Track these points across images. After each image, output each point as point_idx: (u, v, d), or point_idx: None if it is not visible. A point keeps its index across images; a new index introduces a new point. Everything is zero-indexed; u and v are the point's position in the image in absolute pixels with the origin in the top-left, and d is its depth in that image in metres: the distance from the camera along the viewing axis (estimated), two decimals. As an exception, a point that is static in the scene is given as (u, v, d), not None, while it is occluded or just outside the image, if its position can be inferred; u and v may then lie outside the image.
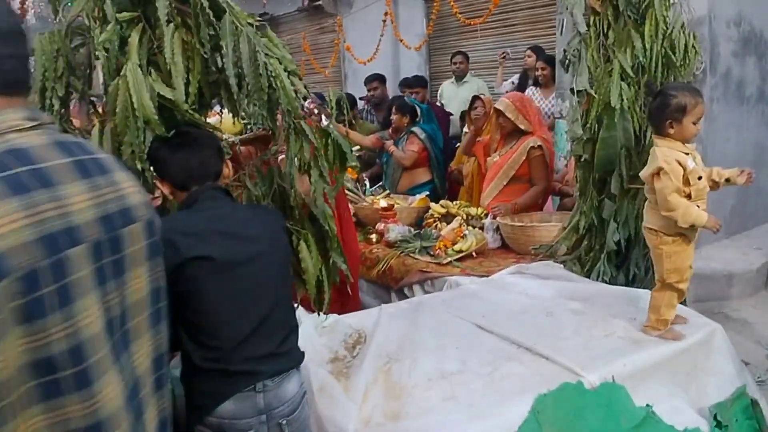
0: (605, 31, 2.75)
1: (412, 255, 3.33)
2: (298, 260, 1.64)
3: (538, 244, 3.14)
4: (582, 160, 2.89)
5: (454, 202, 3.91)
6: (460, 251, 3.22)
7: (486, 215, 3.61)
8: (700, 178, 2.16)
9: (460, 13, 5.87)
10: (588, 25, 2.80)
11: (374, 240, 3.71)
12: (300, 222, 1.65)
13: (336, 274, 1.73)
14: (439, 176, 4.65)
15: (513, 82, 5.39)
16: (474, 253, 3.25)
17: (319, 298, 1.74)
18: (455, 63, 5.83)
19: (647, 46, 2.63)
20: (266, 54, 1.51)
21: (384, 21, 5.61)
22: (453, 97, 5.77)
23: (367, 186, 4.64)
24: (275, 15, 9.39)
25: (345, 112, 5.18)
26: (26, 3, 6.76)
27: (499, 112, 3.73)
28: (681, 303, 2.62)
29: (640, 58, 2.66)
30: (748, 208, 5.11)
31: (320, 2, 8.12)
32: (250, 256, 1.50)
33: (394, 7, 7.00)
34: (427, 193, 4.24)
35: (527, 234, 3.22)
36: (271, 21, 9.34)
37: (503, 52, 5.57)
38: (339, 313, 2.34)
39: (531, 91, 4.92)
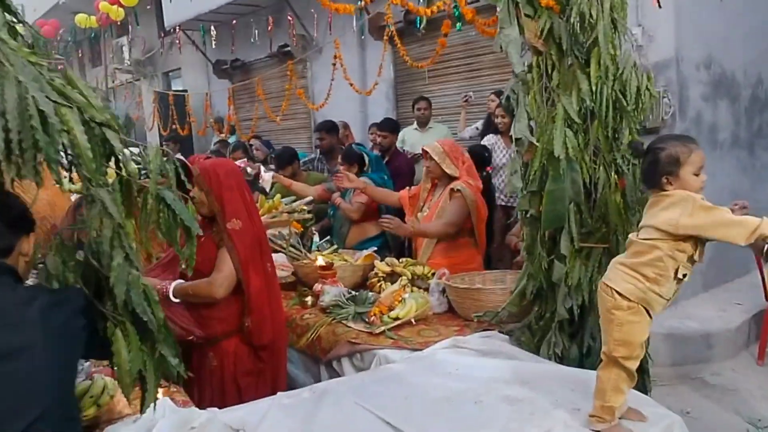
0: (548, 72, 2.45)
1: (344, 322, 2.94)
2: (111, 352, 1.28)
3: (483, 311, 2.76)
4: (527, 215, 2.54)
5: (401, 260, 3.54)
6: (397, 318, 2.83)
7: (433, 274, 3.25)
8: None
9: (425, 58, 5.65)
10: (530, 66, 2.50)
11: (309, 303, 3.32)
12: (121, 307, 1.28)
13: (167, 368, 1.35)
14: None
15: (477, 128, 5.12)
16: (413, 320, 2.87)
17: (143, 397, 1.35)
18: (418, 109, 5.57)
19: (595, 88, 2.32)
20: (56, 101, 1.15)
21: (334, 65, 5.35)
22: (417, 143, 5.48)
23: (316, 240, 4.27)
24: (246, 61, 9.24)
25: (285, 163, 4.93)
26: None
27: (426, 155, 3.51)
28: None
29: (587, 102, 2.35)
30: (727, 259, 4.78)
31: (289, 48, 7.94)
32: (11, 349, 1.17)
33: (361, 52, 6.82)
34: (375, 248, 3.87)
35: (473, 297, 2.84)
36: (242, 67, 9.17)
37: (465, 96, 5.32)
38: (219, 407, 1.94)
39: (492, 139, 4.64)
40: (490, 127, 4.87)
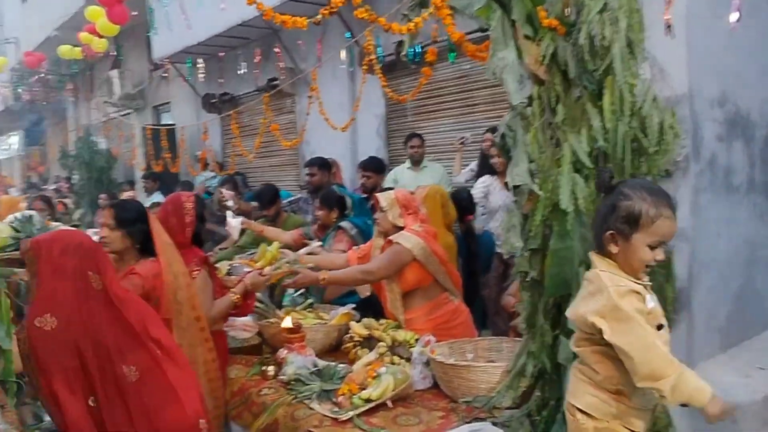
0: (552, 105, 2.01)
1: (306, 402, 2.44)
2: None
3: (473, 395, 2.27)
4: (527, 278, 2.07)
5: (381, 321, 3.06)
6: (369, 400, 2.33)
7: (416, 340, 2.75)
8: (660, 327, 1.39)
9: (418, 92, 5.27)
10: (531, 98, 2.07)
11: (271, 374, 2.81)
12: None
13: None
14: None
15: (472, 169, 4.69)
16: (389, 403, 2.36)
17: None
18: (411, 146, 5.15)
19: (608, 125, 1.88)
20: None
21: (310, 97, 4.96)
22: (411, 184, 5.02)
23: (290, 293, 3.78)
24: (235, 95, 8.90)
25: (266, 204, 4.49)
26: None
27: (377, 204, 3.11)
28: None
29: (600, 142, 1.91)
30: (747, 315, 4.30)
31: (278, 82, 7.58)
32: None
33: (351, 86, 6.46)
34: (355, 304, 3.39)
35: (462, 376, 2.34)
36: (231, 101, 8.84)
37: (461, 138, 4.91)
38: None
39: (487, 180, 4.20)
40: (485, 167, 4.43)
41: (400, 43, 5.04)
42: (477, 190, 4.29)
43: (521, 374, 2.11)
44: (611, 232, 1.47)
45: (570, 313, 1.51)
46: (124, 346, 1.86)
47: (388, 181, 5.14)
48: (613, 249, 1.48)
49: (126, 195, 8.87)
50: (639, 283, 1.48)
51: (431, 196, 3.63)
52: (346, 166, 6.14)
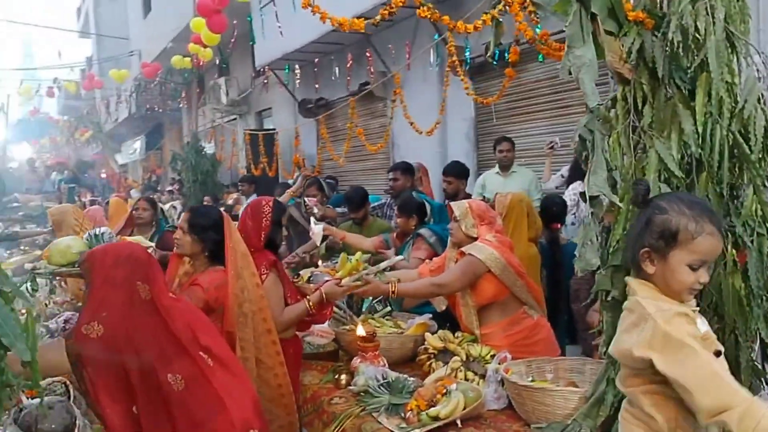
0: (638, 106, 1.82)
1: (375, 415, 2.38)
2: None
3: (548, 420, 2.10)
4: (608, 298, 1.89)
5: (457, 334, 2.94)
6: (437, 418, 2.23)
7: (492, 356, 2.61)
8: (719, 353, 1.20)
9: (507, 95, 5.08)
10: (614, 99, 1.89)
11: (343, 383, 2.78)
12: None
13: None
14: (455, 291, 3.69)
15: (562, 175, 4.43)
16: (458, 422, 2.25)
17: None
18: (500, 151, 4.96)
19: (702, 129, 1.67)
20: None
21: (394, 101, 4.90)
22: (498, 189, 4.84)
23: (370, 299, 3.74)
24: (330, 100, 9.07)
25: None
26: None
27: (451, 214, 3.00)
28: None
29: (692, 148, 1.69)
30: None
31: (370, 87, 7.63)
32: None
33: (441, 89, 6.33)
34: (432, 314, 3.29)
35: (536, 399, 2.18)
36: (326, 106, 9.02)
37: (550, 142, 4.66)
38: None
39: (579, 187, 3.95)
40: (577, 174, 4.17)
41: (488, 45, 4.87)
42: (567, 198, 4.05)
43: (600, 402, 1.92)
44: (646, 249, 1.29)
45: (613, 349, 1.34)
46: (169, 355, 1.87)
47: (475, 187, 4.99)
48: (649, 269, 1.30)
49: (231, 198, 9.31)
50: (686, 307, 1.29)
51: (515, 204, 3.46)
52: (435, 171, 6.04)
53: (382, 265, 3.28)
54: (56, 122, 25.01)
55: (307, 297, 2.89)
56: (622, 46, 1.79)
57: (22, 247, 6.71)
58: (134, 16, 17.67)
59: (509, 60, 3.51)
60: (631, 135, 1.80)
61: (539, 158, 5.16)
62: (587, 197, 1.73)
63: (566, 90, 5.12)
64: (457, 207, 2.95)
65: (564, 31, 1.79)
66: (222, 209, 7.96)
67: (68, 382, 2.37)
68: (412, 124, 5.19)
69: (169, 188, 13.06)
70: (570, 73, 1.71)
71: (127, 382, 1.82)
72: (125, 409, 1.82)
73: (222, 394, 1.90)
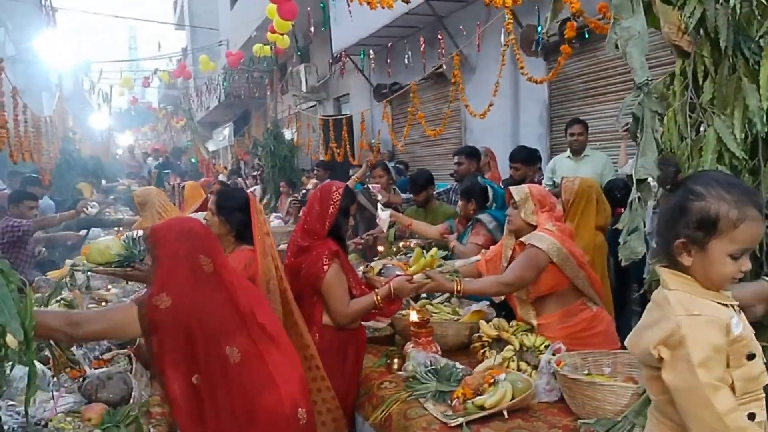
0: (699, 82, 1.67)
1: (421, 401, 2.36)
2: None
3: (598, 415, 2.00)
4: (662, 290, 1.75)
5: (513, 323, 2.85)
6: (483, 407, 2.17)
7: (546, 347, 2.52)
8: (752, 356, 1.13)
9: (581, 75, 4.83)
10: (672, 75, 1.74)
11: (395, 367, 2.78)
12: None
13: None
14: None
15: (639, 158, 4.16)
16: (505, 413, 2.18)
17: None
18: (571, 134, 4.74)
19: (767, 104, 1.51)
20: None
21: (454, 83, 4.75)
22: (569, 174, 4.65)
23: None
24: (404, 84, 9.02)
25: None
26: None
27: (509, 199, 2.85)
28: None
29: (758, 126, 1.53)
30: None
31: (442, 70, 7.52)
32: None
33: (513, 70, 6.13)
34: (490, 301, 3.21)
35: (586, 394, 2.08)
36: (399, 90, 8.99)
37: (626, 124, 4.37)
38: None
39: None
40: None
41: (563, 23, 4.64)
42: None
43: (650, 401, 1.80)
44: (681, 240, 1.16)
45: (631, 344, 1.23)
46: (231, 328, 1.94)
47: (546, 171, 4.80)
48: (686, 261, 1.17)
49: (310, 183, 9.52)
50: (722, 303, 1.16)
51: (584, 189, 3.30)
52: (506, 154, 5.87)
53: (458, 263, 3.20)
54: (155, 111, 26.50)
55: (376, 290, 2.77)
56: (681, 15, 1.65)
57: (117, 229, 7.18)
58: (223, 7, 18.34)
59: (565, 36, 3.30)
60: (688, 113, 1.65)
61: (615, 141, 4.87)
62: (634, 180, 1.60)
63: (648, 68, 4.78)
64: (517, 192, 2.83)
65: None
66: (302, 194, 8.17)
67: (132, 355, 2.52)
68: (467, 106, 5.05)
69: (254, 173, 13.55)
70: (616, 47, 1.59)
71: (190, 352, 1.88)
72: (186, 378, 1.88)
73: (273, 371, 1.96)
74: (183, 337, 1.89)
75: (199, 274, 1.95)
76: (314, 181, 9.50)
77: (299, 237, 2.76)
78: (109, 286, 4.32)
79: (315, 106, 13.27)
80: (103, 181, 11.41)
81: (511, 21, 3.95)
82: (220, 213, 2.69)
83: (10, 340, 0.92)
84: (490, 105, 5.14)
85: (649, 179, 1.59)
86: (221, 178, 14.22)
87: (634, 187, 1.59)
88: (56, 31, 11.33)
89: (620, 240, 1.62)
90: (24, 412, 1.59)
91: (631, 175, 1.59)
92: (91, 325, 1.88)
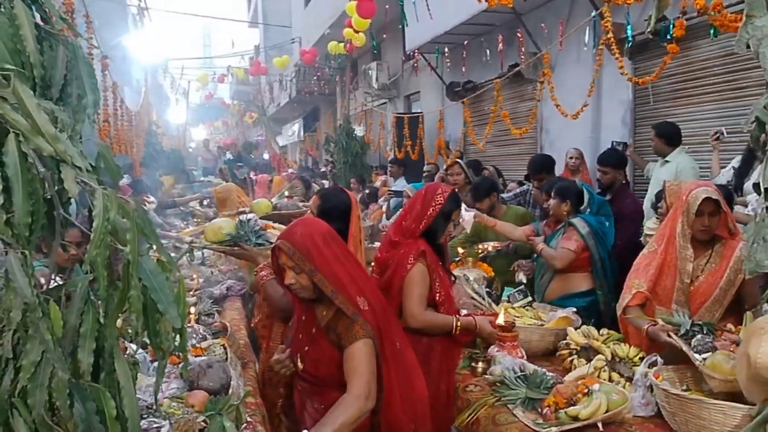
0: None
1: (510, 407, 2.34)
2: None
3: (703, 434, 1.92)
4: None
5: (602, 331, 2.77)
6: (576, 418, 2.13)
7: (641, 359, 2.44)
8: None
9: (671, 75, 4.63)
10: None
11: (479, 370, 2.76)
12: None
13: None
14: (604, 286, 3.49)
15: (733, 167, 3.95)
16: (599, 425, 2.13)
17: None
18: (651, 139, 4.55)
19: None
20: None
21: (542, 82, 4.65)
22: (653, 182, 4.49)
23: (509, 289, 3.66)
24: (478, 83, 8.94)
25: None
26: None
27: (707, 205, 2.53)
28: None
29: None
30: None
31: (520, 68, 7.39)
32: None
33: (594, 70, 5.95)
34: (576, 308, 3.14)
35: (690, 411, 1.99)
36: (474, 89, 8.91)
37: (716, 132, 4.15)
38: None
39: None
40: (751, 164, 3.69)
41: (657, 21, 4.46)
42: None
43: (766, 423, 1.71)
44: None
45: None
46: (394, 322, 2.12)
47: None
48: None
49: (379, 179, 9.60)
50: None
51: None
52: (588, 156, 5.71)
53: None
54: (228, 106, 27.35)
55: (458, 317, 2.69)
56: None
57: (195, 220, 7.50)
58: (296, 6, 18.69)
59: (674, 35, 3.17)
60: (824, 121, 1.55)
61: (706, 145, 4.66)
62: (762, 189, 1.52)
63: (741, 69, 4.53)
64: (706, 191, 2.58)
65: (742, 1, 1.59)
66: (368, 190, 8.25)
67: (226, 345, 2.61)
68: (558, 106, 4.94)
69: (323, 169, 13.77)
70: (748, 47, 1.51)
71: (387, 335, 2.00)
72: (391, 360, 1.99)
73: (414, 364, 2.09)
74: (383, 335, 1.98)
75: (357, 271, 2.03)
76: (382, 177, 9.57)
77: (392, 232, 2.76)
78: (193, 276, 4.53)
79: (385, 103, 13.34)
80: (191, 175, 11.90)
81: (609, 19, 3.82)
82: (323, 215, 2.55)
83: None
84: (585, 105, 4.99)
85: (778, 190, 1.50)
86: (291, 171, 14.54)
87: (761, 197, 1.51)
88: (139, 30, 11.87)
89: (744, 251, 1.54)
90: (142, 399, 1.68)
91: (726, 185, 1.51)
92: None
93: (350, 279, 1.94)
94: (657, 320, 2.47)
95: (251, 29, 27.46)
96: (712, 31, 3.59)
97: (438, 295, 2.66)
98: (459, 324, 2.62)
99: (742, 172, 3.70)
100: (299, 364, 2.06)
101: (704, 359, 2.05)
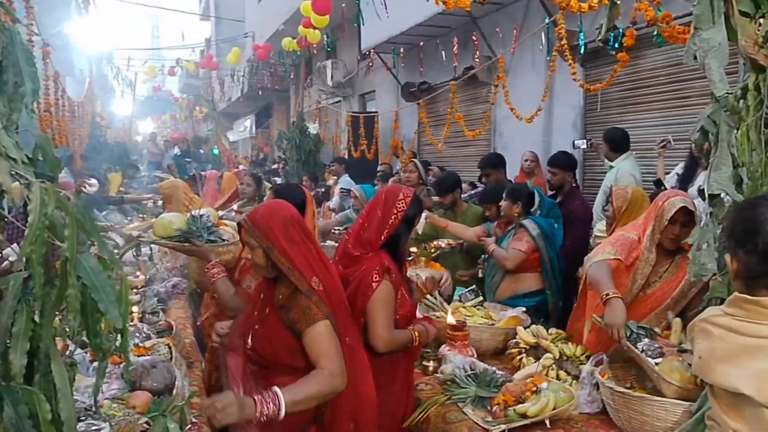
0: (774, 97, 1.63)
1: (460, 405, 2.35)
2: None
3: (645, 431, 1.97)
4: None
5: (551, 331, 2.83)
6: (525, 416, 2.16)
7: (587, 357, 2.49)
8: None
9: (621, 83, 4.78)
10: (744, 89, 1.71)
11: (430, 369, 2.77)
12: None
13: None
14: (552, 287, 3.56)
15: (677, 174, 4.10)
16: (547, 423, 2.16)
17: None
18: (601, 143, 4.69)
19: None
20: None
21: (496, 86, 4.73)
22: (602, 185, 4.61)
23: (461, 289, 3.69)
24: (433, 84, 9.00)
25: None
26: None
27: (681, 215, 2.51)
28: None
29: (838, 146, 1.50)
30: None
31: (475, 72, 7.47)
32: None
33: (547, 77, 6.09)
34: (526, 308, 3.19)
35: (633, 408, 2.05)
36: (429, 90, 8.97)
37: (663, 141, 4.31)
38: None
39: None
40: (694, 171, 3.84)
41: (607, 29, 4.59)
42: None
43: (701, 419, 1.77)
44: None
45: (715, 376, 1.17)
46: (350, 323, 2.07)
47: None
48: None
49: (332, 178, 9.53)
50: None
51: (636, 199, 3.17)
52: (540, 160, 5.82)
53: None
54: (177, 100, 26.67)
55: (414, 328, 2.44)
56: (759, 28, 1.61)
57: (140, 215, 7.26)
58: (251, 0, 18.40)
59: (624, 44, 3.26)
60: (762, 129, 1.62)
61: (652, 151, 4.82)
62: (706, 195, 1.57)
63: (686, 80, 4.72)
64: (681, 200, 2.54)
65: (690, 14, 1.64)
66: (322, 190, 8.18)
67: (171, 344, 2.53)
68: (512, 110, 5.02)
69: (274, 166, 13.59)
70: (695, 58, 1.56)
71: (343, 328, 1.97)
72: (346, 350, 1.95)
73: (365, 366, 2.05)
74: (336, 318, 1.95)
75: (316, 258, 2.00)
76: (334, 177, 9.52)
77: (351, 244, 2.42)
78: (138, 273, 4.39)
79: (340, 101, 13.28)
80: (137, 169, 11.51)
81: (563, 26, 3.91)
82: None
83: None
84: (539, 110, 5.09)
85: (722, 194, 1.56)
86: (241, 167, 14.29)
87: (705, 202, 1.56)
88: (83, 18, 11.43)
89: (690, 255, 1.59)
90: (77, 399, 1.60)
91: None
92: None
93: (305, 261, 1.94)
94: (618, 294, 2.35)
95: (203, 22, 26.88)
96: (659, 41, 3.71)
97: (398, 314, 2.41)
98: (417, 334, 2.43)
99: (685, 179, 3.84)
100: (248, 341, 2.02)
101: (656, 364, 2.09)
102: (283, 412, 1.69)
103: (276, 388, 1.73)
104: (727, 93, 1.57)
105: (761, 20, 1.62)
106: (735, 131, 1.62)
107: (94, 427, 1.66)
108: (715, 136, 1.61)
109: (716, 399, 1.32)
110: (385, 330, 2.28)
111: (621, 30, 3.94)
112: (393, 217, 2.37)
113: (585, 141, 5.13)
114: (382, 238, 2.36)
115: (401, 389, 2.43)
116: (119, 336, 0.95)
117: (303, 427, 1.96)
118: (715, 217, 1.57)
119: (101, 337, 0.90)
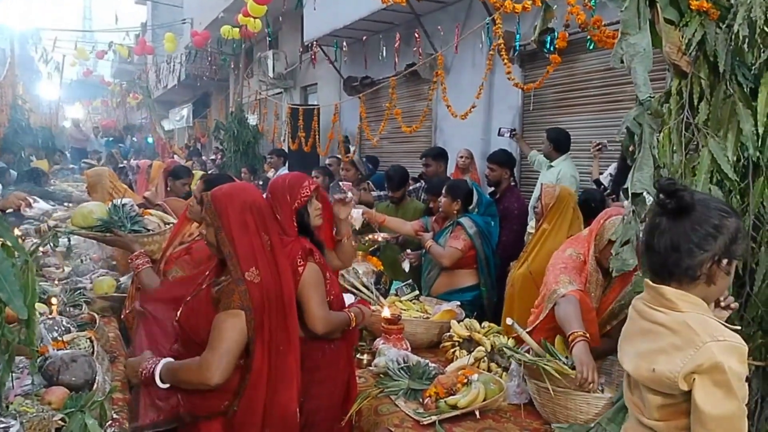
0: (694, 102, 1.71)
1: (393, 398, 2.36)
2: None
3: (569, 422, 2.04)
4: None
5: (484, 324, 2.88)
6: (455, 407, 2.19)
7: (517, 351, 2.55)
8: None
9: (557, 84, 4.92)
10: (667, 93, 1.79)
11: (364, 362, 2.77)
12: None
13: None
14: (487, 283, 3.64)
15: (610, 174, 4.27)
16: (477, 413, 2.20)
17: None
18: (543, 142, 4.82)
19: (763, 130, 1.56)
20: None
21: (435, 82, 4.80)
22: (538, 183, 4.73)
23: (397, 283, 3.71)
24: (375, 79, 8.99)
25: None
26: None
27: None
28: None
29: (750, 150, 1.59)
30: None
31: (416, 68, 7.51)
32: None
33: (490, 74, 6.18)
34: (461, 302, 3.25)
35: (557, 402, 2.11)
36: (371, 85, 8.96)
37: (598, 144, 4.48)
38: None
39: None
40: (627, 171, 3.99)
41: (542, 32, 4.71)
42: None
43: (624, 408, 1.84)
44: (725, 259, 1.17)
45: (639, 369, 1.21)
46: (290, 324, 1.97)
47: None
48: (723, 281, 1.19)
49: (271, 170, 9.38)
50: (731, 328, 1.18)
51: (564, 197, 3.28)
52: (478, 157, 5.93)
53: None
54: (108, 85, 25.57)
55: (350, 310, 2.41)
56: (682, 36, 1.69)
57: (66, 204, 6.91)
58: (189, -15, 17.83)
59: (556, 46, 3.37)
60: (683, 132, 1.70)
61: (586, 152, 4.99)
62: (629, 194, 1.64)
63: (618, 84, 4.91)
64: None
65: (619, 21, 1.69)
66: (261, 182, 8.03)
67: (93, 338, 2.42)
68: (448, 107, 5.10)
69: (212, 157, 13.24)
70: (622, 62, 1.62)
71: (266, 335, 1.89)
72: (268, 353, 1.90)
73: (290, 376, 1.97)
74: (273, 310, 1.90)
75: (266, 251, 1.94)
76: (273, 169, 9.38)
77: None
78: (58, 264, 4.18)
79: (281, 93, 13.07)
80: (58, 155, 10.95)
81: (500, 25, 3.98)
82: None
83: None
84: (473, 107, 5.18)
85: (644, 193, 1.62)
86: (177, 159, 13.86)
87: (628, 201, 1.62)
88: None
89: (612, 251, 1.65)
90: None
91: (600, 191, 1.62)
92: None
93: (250, 250, 1.91)
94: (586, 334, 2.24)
95: (138, 5, 25.86)
96: (591, 46, 3.84)
97: (330, 295, 2.38)
98: (353, 315, 2.39)
99: (619, 180, 3.98)
100: (178, 313, 2.01)
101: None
102: (157, 378, 1.87)
103: (163, 358, 1.90)
104: (650, 96, 1.63)
105: (685, 28, 1.69)
106: (657, 133, 1.69)
107: (2, 425, 1.56)
108: (639, 138, 1.67)
109: (627, 377, 1.38)
110: (320, 309, 2.23)
111: (556, 33, 4.06)
112: (296, 203, 2.30)
113: (509, 130, 5.24)
114: (295, 224, 2.32)
115: (345, 376, 2.40)
116: (25, 328, 0.89)
117: (211, 413, 1.93)
118: (637, 215, 1.64)
119: (3, 328, 0.84)
